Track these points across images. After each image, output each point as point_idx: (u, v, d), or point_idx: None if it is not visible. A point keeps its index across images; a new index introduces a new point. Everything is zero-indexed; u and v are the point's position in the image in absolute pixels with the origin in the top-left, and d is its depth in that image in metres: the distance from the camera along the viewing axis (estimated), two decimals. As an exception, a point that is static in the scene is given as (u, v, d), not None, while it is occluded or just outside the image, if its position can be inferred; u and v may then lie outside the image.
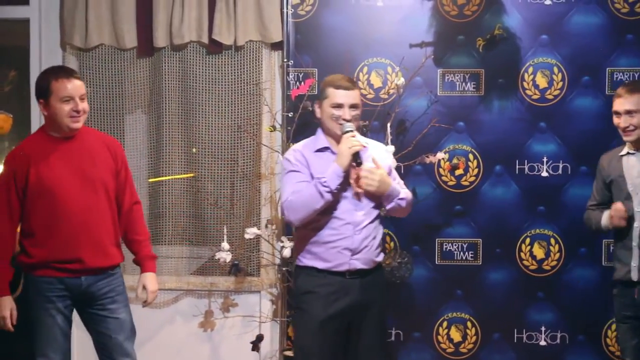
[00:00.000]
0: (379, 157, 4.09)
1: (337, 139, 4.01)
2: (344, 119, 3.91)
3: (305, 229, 4.05)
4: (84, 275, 4.09)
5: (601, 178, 4.41)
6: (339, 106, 3.95)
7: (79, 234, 4.07)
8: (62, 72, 4.14)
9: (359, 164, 3.92)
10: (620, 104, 4.18)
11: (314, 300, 4.01)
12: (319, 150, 4.10)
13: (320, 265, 3.99)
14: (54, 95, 4.03)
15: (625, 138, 4.24)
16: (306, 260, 4.07)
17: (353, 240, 3.96)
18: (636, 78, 5.26)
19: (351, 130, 3.92)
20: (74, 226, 4.06)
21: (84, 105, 4.07)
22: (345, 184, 3.90)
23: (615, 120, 4.24)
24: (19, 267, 4.56)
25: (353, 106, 3.98)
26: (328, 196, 3.86)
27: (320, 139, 4.13)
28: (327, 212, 3.95)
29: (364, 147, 3.94)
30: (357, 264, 3.96)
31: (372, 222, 4.02)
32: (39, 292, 4.07)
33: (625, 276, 4.18)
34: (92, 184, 4.13)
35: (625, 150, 4.31)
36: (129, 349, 4.27)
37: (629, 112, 4.12)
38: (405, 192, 4.17)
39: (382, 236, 4.16)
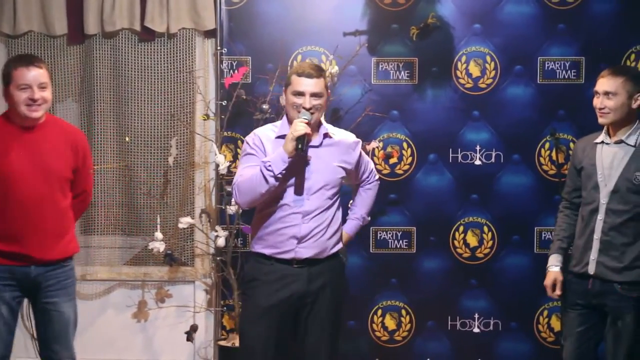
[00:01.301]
0: (344, 152, 4.08)
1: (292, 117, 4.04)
2: (304, 107, 3.87)
3: (260, 214, 4.03)
4: (34, 265, 4.07)
5: (573, 163, 4.36)
6: (300, 94, 3.91)
7: (29, 225, 4.06)
8: (22, 60, 4.10)
9: (302, 150, 3.86)
10: (601, 84, 4.12)
11: (258, 287, 4.01)
12: (279, 137, 4.04)
13: (267, 251, 3.99)
14: (13, 83, 4.00)
15: (600, 120, 4.16)
16: (257, 247, 4.07)
17: (300, 228, 3.94)
18: (567, 67, 5.31)
19: (306, 119, 3.87)
20: (26, 217, 4.06)
21: (42, 94, 4.01)
22: (294, 172, 3.87)
23: (594, 100, 4.18)
24: None
25: (315, 95, 3.92)
26: (272, 181, 3.83)
27: (283, 125, 4.08)
28: (277, 199, 3.94)
29: (309, 133, 3.85)
30: (304, 252, 3.96)
31: (324, 211, 4.00)
32: None
33: (582, 268, 4.15)
34: (47, 176, 4.10)
35: (600, 138, 4.24)
36: (69, 342, 4.27)
37: (606, 94, 4.06)
38: (372, 187, 4.31)
39: (339, 225, 4.13)
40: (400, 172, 5.42)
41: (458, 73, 5.37)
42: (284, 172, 3.82)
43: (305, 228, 3.96)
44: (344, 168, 4.00)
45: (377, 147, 5.32)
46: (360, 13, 5.35)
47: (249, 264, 4.24)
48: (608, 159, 4.09)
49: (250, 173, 3.92)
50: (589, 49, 5.33)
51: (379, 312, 5.50)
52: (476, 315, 5.46)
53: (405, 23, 5.32)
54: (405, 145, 5.41)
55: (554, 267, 4.23)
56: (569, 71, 5.33)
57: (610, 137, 4.10)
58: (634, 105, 3.97)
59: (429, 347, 5.51)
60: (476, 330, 5.44)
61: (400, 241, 5.48)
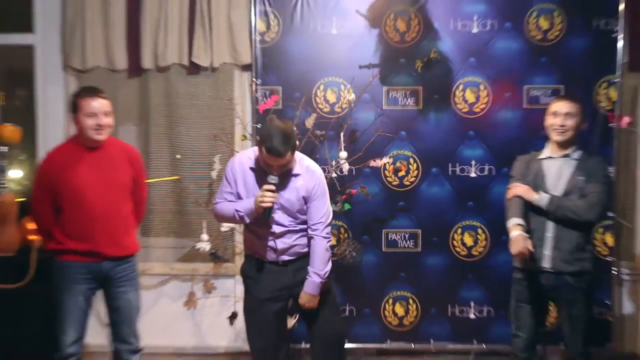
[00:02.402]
0: (306, 183, 4.20)
1: (262, 170, 4.13)
2: (271, 173, 4.02)
3: (246, 230, 4.35)
4: (105, 261, 4.32)
5: (522, 172, 4.53)
6: (268, 165, 4.02)
7: (101, 228, 4.29)
8: (89, 91, 4.32)
9: (267, 215, 4.08)
10: (562, 106, 4.38)
11: (254, 284, 4.34)
12: (252, 168, 4.22)
13: (256, 255, 4.31)
14: (80, 111, 4.21)
15: (557, 137, 4.38)
16: (247, 251, 4.42)
17: (275, 243, 4.23)
18: (548, 93, 5.59)
19: (273, 184, 4.04)
20: (98, 222, 4.28)
21: (107, 120, 4.25)
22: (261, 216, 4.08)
23: (551, 120, 4.41)
24: (27, 259, 5.05)
25: (282, 166, 4.04)
26: (243, 221, 4.17)
27: (256, 159, 4.20)
28: (253, 224, 4.23)
29: (272, 205, 4.04)
30: (284, 257, 4.27)
31: (292, 231, 4.24)
32: (64, 277, 4.30)
33: (535, 265, 4.36)
34: (111, 186, 4.34)
35: (545, 154, 4.50)
36: (135, 326, 4.53)
37: (567, 114, 4.34)
38: (316, 239, 4.25)
39: (306, 235, 4.29)
40: (407, 183, 5.69)
41: (456, 99, 5.64)
42: (253, 220, 4.13)
43: (279, 243, 4.24)
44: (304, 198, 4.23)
45: (388, 162, 5.61)
46: (373, 49, 5.65)
47: (245, 264, 4.46)
48: (555, 169, 4.42)
49: (226, 208, 4.20)
50: (566, 79, 5.60)
51: (390, 301, 5.80)
52: (472, 304, 5.76)
53: (411, 57, 5.63)
54: (411, 160, 5.68)
55: (515, 231, 4.25)
56: (550, 97, 5.50)
57: (556, 152, 4.42)
58: (579, 129, 4.37)
59: (432, 331, 5.79)
60: (472, 316, 5.75)
61: (408, 241, 5.78)
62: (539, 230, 4.37)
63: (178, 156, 5.93)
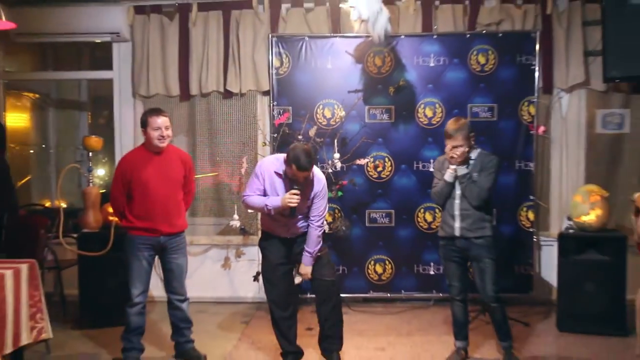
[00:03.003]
0: (313, 189, 4.30)
1: (289, 178, 4.24)
2: (297, 183, 4.14)
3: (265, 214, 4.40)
4: (162, 236, 4.50)
5: (439, 168, 4.52)
6: (296, 176, 4.13)
7: (160, 211, 4.47)
8: (155, 111, 4.47)
9: (292, 213, 4.19)
10: (454, 140, 4.31)
11: (269, 252, 4.46)
12: (277, 173, 4.30)
13: (272, 233, 4.43)
14: (149, 126, 4.38)
15: (454, 163, 4.39)
16: (265, 228, 4.50)
17: (288, 227, 4.38)
18: (486, 110, 5.82)
19: (298, 189, 4.16)
20: (158, 207, 4.46)
21: (168, 132, 4.42)
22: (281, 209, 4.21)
23: (448, 150, 4.37)
24: (107, 234, 5.18)
25: (306, 177, 4.18)
26: (269, 212, 4.26)
27: (281, 166, 4.26)
28: (274, 214, 4.31)
29: (296, 204, 4.13)
30: (292, 235, 4.40)
31: (299, 219, 4.36)
32: (133, 245, 4.47)
33: (452, 233, 4.48)
34: (170, 182, 4.51)
35: None
36: (183, 282, 4.69)
37: (459, 146, 4.32)
38: (313, 226, 4.33)
39: (305, 221, 4.38)
40: (384, 176, 6.00)
41: (419, 115, 5.93)
42: (277, 211, 4.23)
43: (292, 224, 4.34)
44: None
45: (369, 161, 5.89)
46: (358, 79, 5.93)
47: (262, 237, 4.53)
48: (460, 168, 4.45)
49: (256, 201, 4.28)
50: (499, 99, 5.87)
51: (372, 262, 6.07)
52: (432, 264, 6.03)
53: (385, 84, 5.92)
54: (387, 159, 5.98)
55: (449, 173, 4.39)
56: (487, 112, 5.88)
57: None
58: (469, 150, 4.39)
59: (403, 283, 6.07)
60: (432, 272, 6.04)
61: (385, 219, 6.04)
62: (450, 209, 4.52)
63: (217, 158, 6.24)
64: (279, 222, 4.38)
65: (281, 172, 4.30)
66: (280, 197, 4.24)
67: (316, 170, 4.39)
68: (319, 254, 4.44)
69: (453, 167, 4.44)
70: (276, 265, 4.45)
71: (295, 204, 4.17)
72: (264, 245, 4.53)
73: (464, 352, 4.76)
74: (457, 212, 4.50)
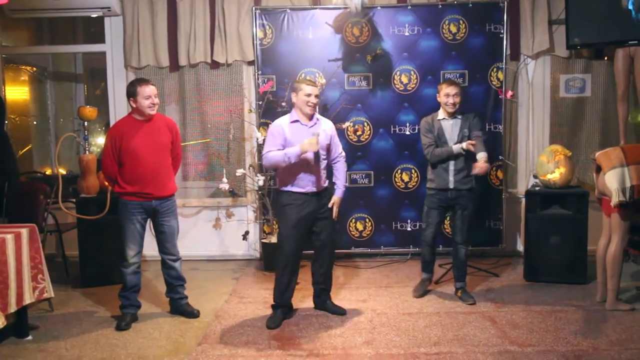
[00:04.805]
0: (326, 128, 4.43)
1: (306, 116, 4.35)
2: (314, 134, 4.22)
3: (287, 169, 4.32)
4: (154, 200, 4.46)
5: (429, 129, 4.81)
6: (309, 95, 4.27)
7: (150, 177, 4.42)
8: (142, 80, 4.42)
9: (318, 155, 4.31)
10: (452, 89, 4.68)
11: (291, 209, 4.40)
12: (293, 122, 4.36)
13: (295, 189, 4.37)
14: (139, 95, 4.32)
15: (451, 110, 4.73)
16: (287, 187, 4.40)
17: (311, 177, 4.37)
18: (457, 77, 5.84)
19: (318, 132, 4.27)
20: (148, 172, 4.41)
21: (156, 100, 4.40)
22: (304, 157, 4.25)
23: (445, 99, 4.71)
24: (104, 199, 5.12)
25: (316, 96, 4.35)
26: (289, 163, 4.24)
27: (293, 115, 4.38)
28: (297, 164, 4.29)
29: (317, 148, 4.22)
30: (314, 188, 4.39)
31: (322, 168, 4.42)
32: (126, 209, 4.44)
33: (446, 186, 4.75)
34: (158, 148, 4.45)
35: (441, 116, 4.80)
36: (175, 242, 4.66)
37: (455, 94, 4.67)
38: (340, 162, 4.53)
39: (328, 173, 4.52)
40: (363, 139, 6.01)
41: (395, 81, 5.96)
42: (297, 160, 4.24)
43: (315, 172, 4.35)
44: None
45: (349, 126, 5.94)
46: (337, 48, 5.93)
47: (283, 197, 4.43)
48: (449, 127, 4.79)
49: (276, 154, 4.27)
50: (469, 66, 5.93)
51: (353, 220, 6.12)
52: (409, 221, 6.11)
53: (363, 53, 5.94)
54: (366, 124, 6.00)
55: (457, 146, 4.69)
56: (459, 79, 5.88)
57: (448, 116, 4.78)
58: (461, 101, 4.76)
59: (382, 239, 6.15)
60: (409, 229, 6.10)
61: (364, 179, 6.08)
62: (446, 166, 4.80)
63: (208, 125, 6.14)
64: (304, 173, 4.37)
65: (296, 119, 4.38)
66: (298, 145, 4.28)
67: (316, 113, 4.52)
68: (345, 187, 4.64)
69: (462, 147, 4.72)
70: (299, 220, 4.41)
71: (317, 148, 4.25)
72: (288, 203, 4.44)
73: (429, 282, 5.16)
74: (452, 168, 4.81)
